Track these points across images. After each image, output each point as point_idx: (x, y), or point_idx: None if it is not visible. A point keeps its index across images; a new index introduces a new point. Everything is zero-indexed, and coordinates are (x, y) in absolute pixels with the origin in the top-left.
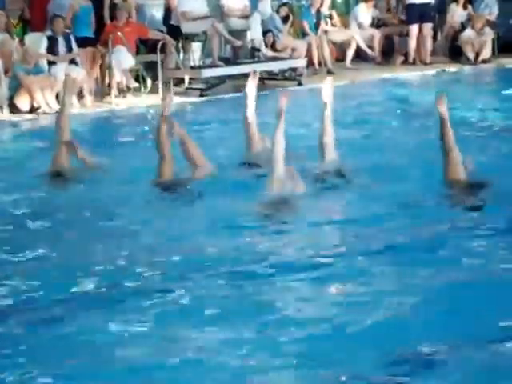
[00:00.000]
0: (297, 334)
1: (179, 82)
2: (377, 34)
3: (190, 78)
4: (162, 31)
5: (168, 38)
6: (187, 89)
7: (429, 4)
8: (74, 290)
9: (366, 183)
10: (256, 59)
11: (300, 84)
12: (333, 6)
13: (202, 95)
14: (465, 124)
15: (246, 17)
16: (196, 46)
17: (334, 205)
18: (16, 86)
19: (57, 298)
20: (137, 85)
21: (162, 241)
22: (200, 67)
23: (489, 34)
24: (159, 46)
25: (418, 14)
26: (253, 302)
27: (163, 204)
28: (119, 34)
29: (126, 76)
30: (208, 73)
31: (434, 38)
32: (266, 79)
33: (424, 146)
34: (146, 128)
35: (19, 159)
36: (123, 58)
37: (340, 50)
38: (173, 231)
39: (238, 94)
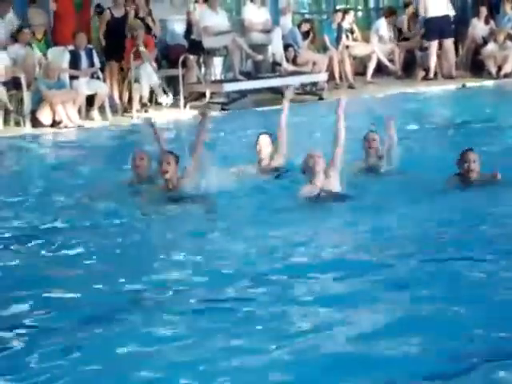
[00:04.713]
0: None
1: (200, 96)
2: (397, 49)
3: (211, 93)
4: (183, 46)
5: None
6: (208, 103)
7: (448, 17)
8: None
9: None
10: (277, 73)
11: (321, 98)
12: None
13: (223, 109)
14: (487, 138)
15: (267, 31)
16: (217, 61)
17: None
18: (38, 100)
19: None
20: (169, 95)
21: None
22: (221, 81)
23: (511, 48)
24: (181, 61)
25: (438, 29)
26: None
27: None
28: (141, 49)
29: (155, 90)
30: (229, 87)
31: (456, 52)
32: None
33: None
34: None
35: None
36: (150, 73)
37: (361, 64)
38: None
39: (259, 109)
